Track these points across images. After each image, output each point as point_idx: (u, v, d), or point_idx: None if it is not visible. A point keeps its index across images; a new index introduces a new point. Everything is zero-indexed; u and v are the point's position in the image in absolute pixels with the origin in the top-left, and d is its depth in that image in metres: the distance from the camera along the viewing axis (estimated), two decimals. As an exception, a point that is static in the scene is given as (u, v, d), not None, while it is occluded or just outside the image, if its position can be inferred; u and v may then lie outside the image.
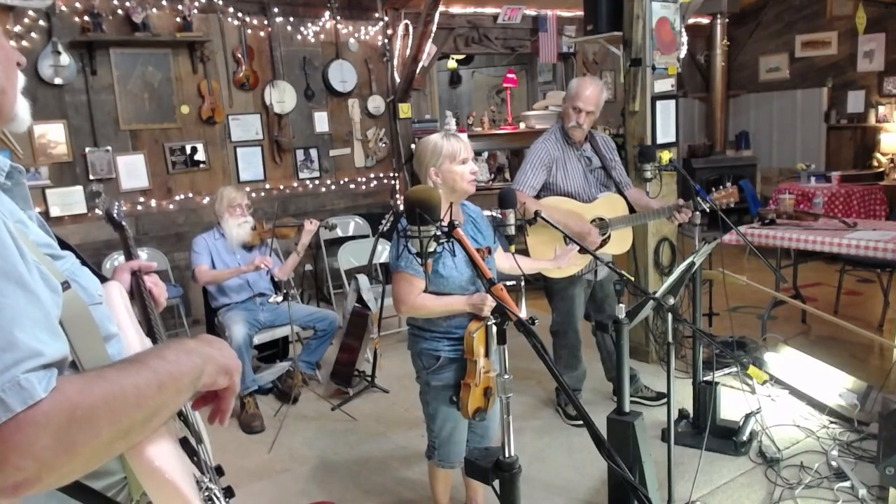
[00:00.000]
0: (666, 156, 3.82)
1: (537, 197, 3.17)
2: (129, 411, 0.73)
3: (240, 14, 5.32)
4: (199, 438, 1.00)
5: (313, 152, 5.87)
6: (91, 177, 4.82)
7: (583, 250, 2.26)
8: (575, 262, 3.13)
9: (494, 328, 1.49)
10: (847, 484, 2.65)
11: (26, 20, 4.46)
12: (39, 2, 0.99)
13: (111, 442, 0.72)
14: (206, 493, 0.84)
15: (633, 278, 2.85)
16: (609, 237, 3.20)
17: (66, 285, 0.82)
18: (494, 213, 2.16)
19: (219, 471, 1.00)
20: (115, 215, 1.39)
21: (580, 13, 4.58)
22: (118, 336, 0.95)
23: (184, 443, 0.90)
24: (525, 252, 3.05)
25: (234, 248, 3.78)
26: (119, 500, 0.86)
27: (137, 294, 1.19)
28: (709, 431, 2.83)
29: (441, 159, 2.21)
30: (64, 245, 1.01)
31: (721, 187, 3.12)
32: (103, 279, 1.08)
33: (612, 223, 3.17)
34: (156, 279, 1.25)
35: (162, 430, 0.83)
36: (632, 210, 3.24)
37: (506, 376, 1.48)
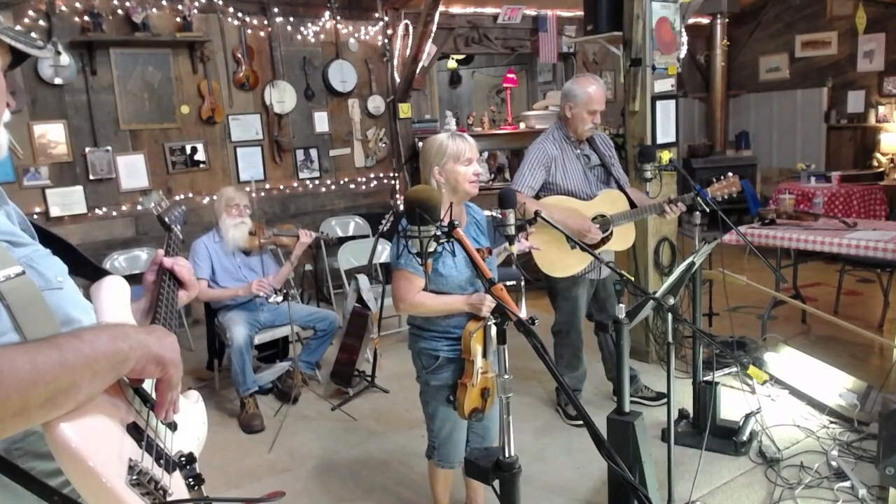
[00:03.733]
0: (666, 156, 3.82)
1: (537, 197, 3.17)
2: (21, 389, 0.72)
3: (240, 14, 5.32)
4: (173, 426, 1.01)
5: (313, 152, 5.87)
6: (91, 177, 4.83)
7: (584, 250, 2.26)
8: (577, 261, 3.13)
9: (494, 328, 1.49)
10: (847, 484, 2.65)
11: (26, 20, 4.47)
12: (39, 52, 1.02)
13: (1, 419, 0.71)
14: (136, 478, 0.83)
15: (633, 278, 2.85)
16: (611, 234, 3.20)
17: (20, 272, 0.84)
18: (494, 214, 2.16)
19: (189, 459, 1.00)
20: (165, 219, 1.40)
21: (580, 13, 4.58)
22: (81, 322, 0.95)
23: (132, 428, 0.90)
24: (528, 252, 3.05)
25: (232, 251, 3.77)
26: (65, 492, 0.85)
27: (155, 290, 1.19)
28: (709, 431, 2.83)
29: (445, 158, 2.22)
30: (53, 241, 1.05)
31: (721, 177, 3.10)
32: (105, 274, 1.10)
33: (613, 219, 3.18)
34: (178, 259, 1.25)
35: (92, 410, 0.82)
36: (633, 205, 3.24)
37: (506, 376, 1.48)
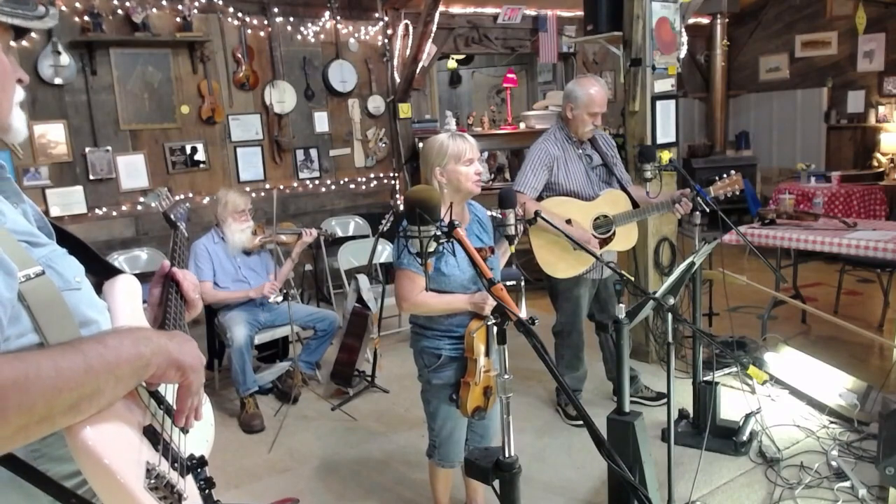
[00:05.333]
0: (666, 156, 3.82)
1: (540, 198, 3.17)
2: (46, 396, 0.71)
3: (240, 14, 5.32)
4: (183, 429, 1.01)
5: (313, 152, 5.87)
6: (91, 177, 4.83)
7: (585, 251, 2.26)
8: (579, 261, 3.13)
9: (495, 328, 1.49)
10: (847, 484, 2.65)
11: (26, 20, 4.46)
12: (41, 23, 0.99)
13: (26, 425, 0.71)
14: (154, 482, 0.83)
15: (633, 278, 2.84)
16: (614, 234, 3.20)
17: (40, 271, 0.84)
18: (494, 213, 2.16)
19: (200, 462, 1.00)
20: (171, 217, 1.40)
21: (580, 13, 4.58)
22: (98, 322, 0.95)
23: (148, 431, 0.90)
24: (528, 252, 3.06)
25: (233, 253, 3.78)
26: (81, 493, 0.85)
27: (161, 306, 1.19)
28: (709, 431, 2.83)
29: (446, 159, 2.22)
30: (67, 238, 1.05)
31: (724, 175, 3.09)
32: (117, 273, 1.10)
33: (616, 220, 3.18)
34: (186, 274, 1.25)
35: (111, 413, 0.82)
36: (635, 205, 3.25)
37: (506, 376, 1.48)
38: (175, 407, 0.98)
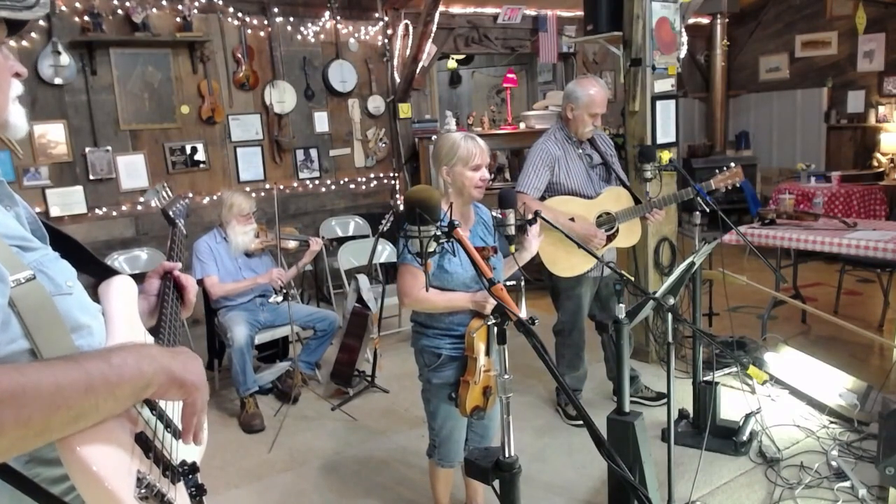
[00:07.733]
0: (666, 156, 3.82)
1: (542, 198, 3.18)
2: (44, 411, 0.71)
3: (240, 14, 5.32)
4: (178, 434, 1.00)
5: (313, 152, 5.87)
6: (91, 177, 4.83)
7: (585, 251, 2.26)
8: (583, 260, 3.14)
9: (495, 328, 1.49)
10: (847, 484, 2.65)
11: (26, 20, 4.46)
12: (31, 13, 0.96)
13: (22, 437, 0.70)
14: (144, 491, 0.82)
15: (633, 278, 2.84)
16: (617, 231, 3.21)
17: (30, 276, 0.83)
18: (495, 214, 2.16)
19: (192, 469, 0.99)
20: (169, 213, 1.40)
21: (580, 13, 4.58)
22: (90, 327, 0.94)
23: (140, 438, 0.89)
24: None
25: (235, 254, 3.78)
26: (69, 500, 0.85)
27: (160, 296, 1.18)
28: (709, 431, 2.83)
29: (454, 160, 2.23)
30: (61, 239, 1.04)
31: (725, 168, 3.10)
32: (113, 274, 1.09)
33: (619, 216, 3.19)
34: (187, 278, 1.25)
35: (102, 423, 0.82)
36: (637, 201, 3.25)
37: (506, 376, 1.48)
38: (174, 420, 0.98)
